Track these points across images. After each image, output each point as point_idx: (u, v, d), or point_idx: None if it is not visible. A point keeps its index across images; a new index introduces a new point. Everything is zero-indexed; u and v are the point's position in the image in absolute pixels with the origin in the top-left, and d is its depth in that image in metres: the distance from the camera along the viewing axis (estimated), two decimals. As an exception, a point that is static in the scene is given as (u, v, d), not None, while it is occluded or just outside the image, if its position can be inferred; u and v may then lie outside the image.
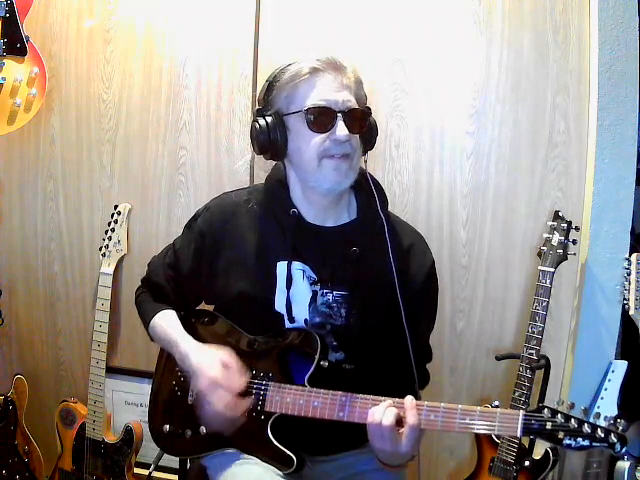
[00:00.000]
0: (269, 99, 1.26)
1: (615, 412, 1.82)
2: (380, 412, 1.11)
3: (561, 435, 1.00)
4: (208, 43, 2.00)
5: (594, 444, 0.99)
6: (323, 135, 1.21)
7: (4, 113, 1.98)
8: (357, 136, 1.25)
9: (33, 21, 2.03)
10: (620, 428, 0.99)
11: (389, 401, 1.13)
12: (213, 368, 1.23)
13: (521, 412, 1.04)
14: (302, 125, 1.22)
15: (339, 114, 1.21)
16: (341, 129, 1.20)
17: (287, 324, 1.30)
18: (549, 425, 1.01)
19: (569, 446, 0.99)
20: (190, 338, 1.34)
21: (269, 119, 1.25)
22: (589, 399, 1.86)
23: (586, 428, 0.99)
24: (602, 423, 1.00)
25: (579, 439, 0.99)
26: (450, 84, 1.89)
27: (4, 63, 1.94)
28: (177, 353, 1.33)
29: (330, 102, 1.21)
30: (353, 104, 1.23)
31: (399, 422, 1.11)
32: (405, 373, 1.26)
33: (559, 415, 1.01)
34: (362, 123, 1.26)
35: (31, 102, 1.99)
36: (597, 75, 1.79)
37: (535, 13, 1.83)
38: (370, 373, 1.29)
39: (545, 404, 1.04)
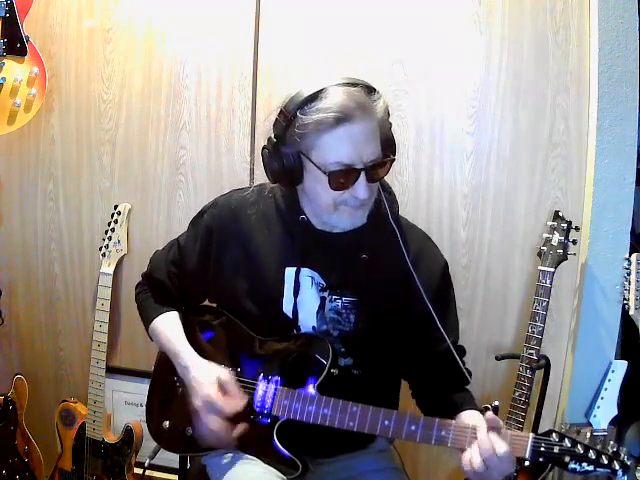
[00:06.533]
0: (287, 134, 1.16)
1: (615, 412, 1.82)
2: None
3: (567, 459, 1.04)
4: (208, 43, 2.00)
5: (598, 469, 1.03)
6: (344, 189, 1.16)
7: (4, 113, 1.98)
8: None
9: (33, 21, 2.03)
10: (623, 456, 1.02)
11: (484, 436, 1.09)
12: (209, 387, 1.22)
13: (531, 435, 1.07)
14: (322, 176, 1.15)
15: (362, 172, 1.14)
16: (363, 188, 1.15)
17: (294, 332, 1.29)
18: (556, 449, 1.05)
19: (574, 470, 1.04)
20: (191, 350, 1.32)
21: (286, 153, 1.17)
22: (589, 399, 1.86)
23: (591, 454, 1.03)
24: (602, 437, 1.04)
25: (584, 464, 1.03)
26: (450, 84, 1.89)
27: (4, 63, 1.94)
28: (177, 365, 1.32)
29: (354, 161, 1.13)
30: (378, 156, 1.17)
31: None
32: (447, 375, 1.33)
33: (566, 439, 1.05)
34: (385, 169, 1.20)
35: (31, 102, 1.99)
36: (597, 75, 1.79)
37: (535, 13, 1.83)
38: (378, 378, 1.29)
39: (553, 429, 1.07)
